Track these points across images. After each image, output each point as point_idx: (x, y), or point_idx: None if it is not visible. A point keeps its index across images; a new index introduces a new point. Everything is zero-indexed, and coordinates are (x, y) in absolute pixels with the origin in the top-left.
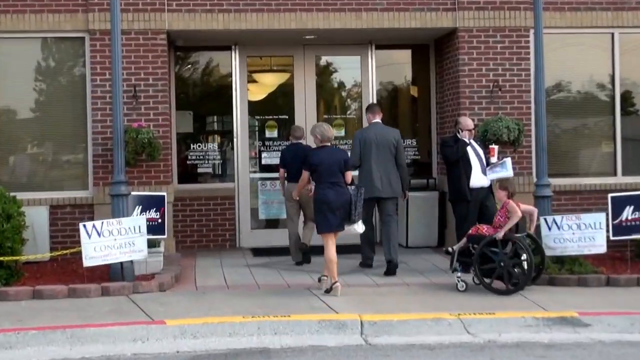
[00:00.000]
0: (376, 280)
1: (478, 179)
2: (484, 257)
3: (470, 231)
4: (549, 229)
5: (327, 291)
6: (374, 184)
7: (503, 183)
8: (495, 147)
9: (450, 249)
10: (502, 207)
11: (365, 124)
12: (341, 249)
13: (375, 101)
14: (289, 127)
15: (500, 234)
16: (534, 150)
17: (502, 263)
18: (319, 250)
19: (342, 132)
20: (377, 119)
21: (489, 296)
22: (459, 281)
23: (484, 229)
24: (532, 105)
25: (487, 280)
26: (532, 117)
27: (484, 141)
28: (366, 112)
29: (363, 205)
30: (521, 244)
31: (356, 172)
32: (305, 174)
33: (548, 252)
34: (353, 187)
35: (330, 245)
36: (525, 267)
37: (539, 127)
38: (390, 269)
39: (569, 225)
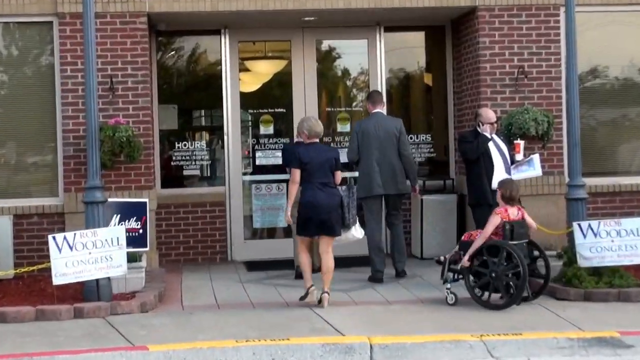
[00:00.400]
0: (387, 296)
1: (500, 179)
2: (478, 266)
3: (463, 237)
4: (584, 236)
5: (302, 298)
6: (376, 181)
7: (501, 182)
8: (521, 143)
9: (441, 258)
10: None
11: None
12: (347, 262)
13: (384, 90)
14: (286, 122)
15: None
16: (565, 146)
17: (493, 273)
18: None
19: (347, 127)
20: (379, 109)
21: (516, 313)
22: (448, 294)
23: (477, 234)
24: (563, 94)
25: (476, 293)
26: (564, 107)
27: (508, 136)
28: (367, 101)
29: (366, 206)
30: (512, 251)
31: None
32: (297, 173)
33: (583, 263)
34: (344, 187)
35: (305, 250)
36: (523, 275)
37: (571, 119)
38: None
39: (607, 231)
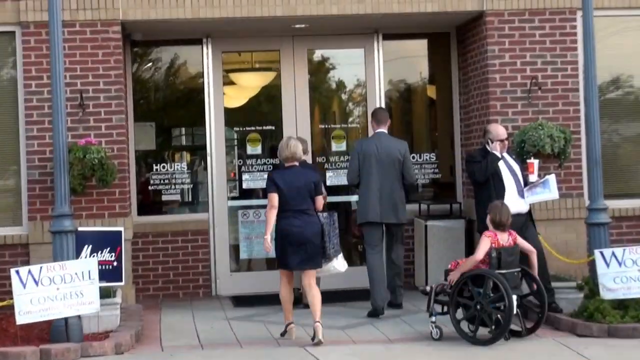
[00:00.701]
0: (388, 334)
1: (513, 202)
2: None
3: (449, 266)
4: (607, 265)
5: (282, 334)
6: (374, 208)
7: (491, 206)
8: (535, 162)
9: (427, 288)
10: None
11: (371, 132)
12: (343, 296)
13: (383, 104)
14: (276, 140)
15: (454, 273)
16: (584, 165)
17: (478, 305)
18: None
19: (343, 146)
20: (383, 129)
21: (537, 353)
22: (433, 327)
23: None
24: (582, 108)
25: (462, 326)
26: (582, 122)
27: (521, 155)
28: (371, 119)
29: (365, 234)
30: (498, 281)
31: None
32: (273, 197)
33: (607, 295)
34: (325, 214)
35: (286, 284)
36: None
37: (591, 135)
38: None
39: (633, 260)
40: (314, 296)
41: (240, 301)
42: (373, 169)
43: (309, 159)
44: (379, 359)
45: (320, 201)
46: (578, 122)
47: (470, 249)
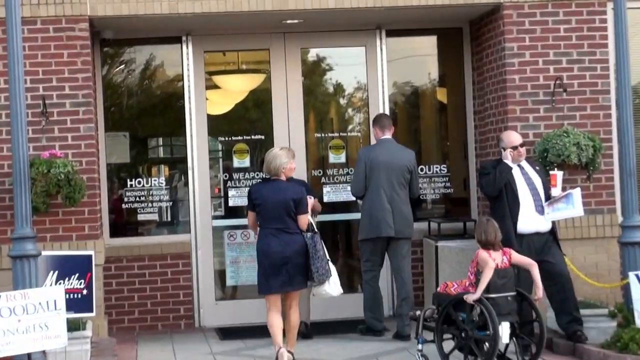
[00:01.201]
0: None
1: (529, 220)
2: (451, 323)
3: (438, 288)
4: None
5: None
6: (386, 220)
7: (477, 223)
8: (558, 174)
9: (417, 313)
10: (474, 258)
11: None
12: (344, 326)
13: (387, 109)
14: (265, 152)
15: (474, 296)
16: (617, 177)
17: (463, 333)
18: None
19: (342, 157)
20: (388, 135)
21: None
22: (418, 357)
23: (453, 286)
24: (613, 112)
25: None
26: (614, 128)
27: (544, 166)
28: (373, 125)
29: (369, 250)
30: (483, 307)
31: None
32: (250, 216)
33: None
34: (309, 234)
35: (272, 310)
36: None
37: (624, 143)
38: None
39: None
40: (292, 320)
41: (227, 333)
42: (382, 179)
43: (302, 173)
44: None
45: (303, 220)
46: (609, 128)
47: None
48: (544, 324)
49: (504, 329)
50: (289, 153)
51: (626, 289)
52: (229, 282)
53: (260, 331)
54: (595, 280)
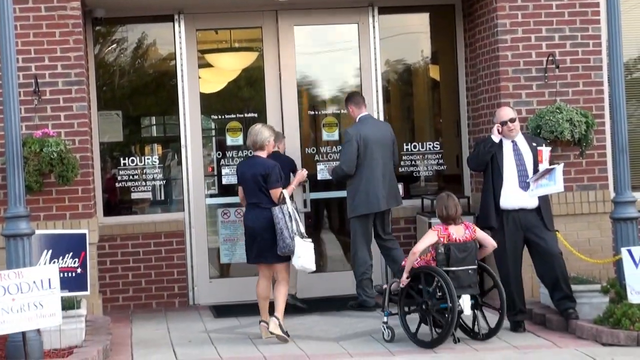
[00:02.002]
0: (388, 345)
1: (512, 195)
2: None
3: (402, 262)
4: (636, 265)
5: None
6: (381, 194)
7: (437, 198)
8: (545, 150)
9: (384, 286)
10: None
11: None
12: (338, 303)
13: (379, 87)
14: None
15: (403, 277)
16: (609, 153)
17: (424, 305)
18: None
19: (336, 135)
20: (365, 111)
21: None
22: (384, 329)
23: (417, 260)
24: (606, 88)
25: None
26: (606, 104)
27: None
28: (348, 104)
29: (361, 226)
30: (442, 280)
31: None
32: (240, 191)
33: (635, 299)
34: (277, 207)
35: (260, 279)
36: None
37: (616, 119)
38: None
39: None
40: (277, 291)
41: (221, 311)
42: (376, 155)
43: (296, 150)
44: None
45: (274, 193)
46: (601, 104)
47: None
48: (504, 294)
49: (465, 301)
50: (278, 134)
51: (618, 265)
52: (223, 260)
53: (254, 309)
54: (587, 256)
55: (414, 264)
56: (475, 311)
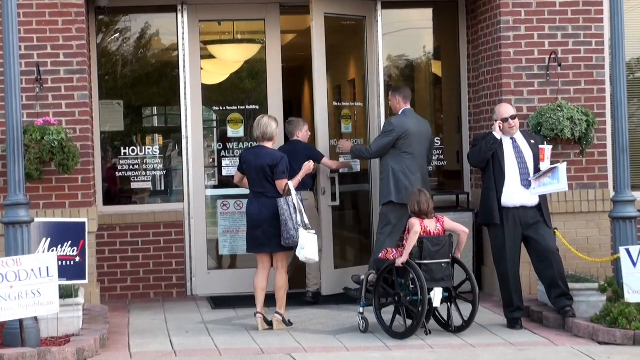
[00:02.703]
0: (386, 340)
1: (513, 193)
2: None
3: (379, 255)
4: (634, 264)
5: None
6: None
7: (410, 194)
8: (546, 148)
9: (361, 277)
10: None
11: (372, 112)
12: (337, 298)
13: (382, 81)
14: None
15: (401, 259)
16: (610, 152)
17: (397, 297)
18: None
19: (350, 128)
20: (409, 105)
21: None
22: (360, 319)
23: (392, 253)
24: (607, 87)
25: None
26: (608, 103)
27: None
28: (395, 95)
29: (395, 216)
30: (414, 273)
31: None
32: (236, 175)
33: (633, 298)
34: (282, 199)
35: (258, 269)
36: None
37: (617, 118)
38: None
39: None
40: (276, 282)
41: (219, 302)
42: (415, 148)
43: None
44: None
45: (280, 184)
46: (603, 103)
47: (479, 244)
48: (476, 288)
49: (436, 294)
50: (276, 122)
51: (616, 264)
52: (222, 251)
53: (252, 300)
54: (586, 254)
55: (389, 257)
56: (449, 304)
